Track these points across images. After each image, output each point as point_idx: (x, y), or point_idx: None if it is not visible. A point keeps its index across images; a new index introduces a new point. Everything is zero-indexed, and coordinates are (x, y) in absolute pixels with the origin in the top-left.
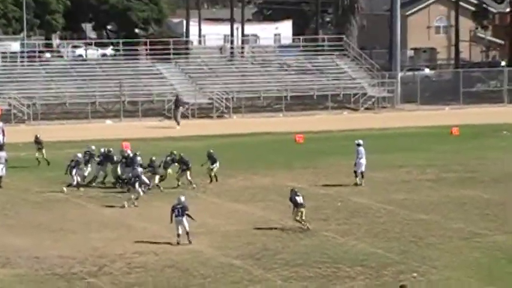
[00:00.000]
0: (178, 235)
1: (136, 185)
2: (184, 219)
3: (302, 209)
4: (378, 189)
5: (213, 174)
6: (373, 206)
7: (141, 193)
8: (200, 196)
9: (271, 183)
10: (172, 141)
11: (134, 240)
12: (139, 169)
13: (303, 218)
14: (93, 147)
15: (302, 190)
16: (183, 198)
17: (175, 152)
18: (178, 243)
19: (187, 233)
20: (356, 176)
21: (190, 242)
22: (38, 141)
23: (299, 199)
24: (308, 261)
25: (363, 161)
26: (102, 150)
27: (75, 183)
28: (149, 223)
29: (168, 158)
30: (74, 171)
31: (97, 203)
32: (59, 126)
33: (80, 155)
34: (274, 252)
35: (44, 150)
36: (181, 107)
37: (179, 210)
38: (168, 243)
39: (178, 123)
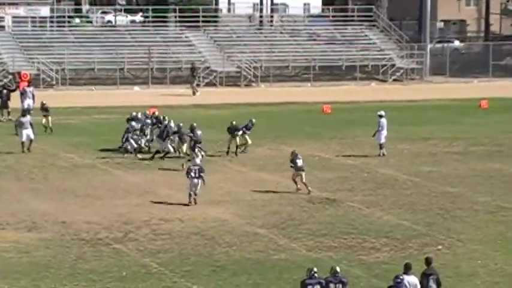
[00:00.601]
0: (191, 195)
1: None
2: (200, 181)
3: (302, 173)
4: (404, 161)
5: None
6: (400, 177)
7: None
8: (226, 164)
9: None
10: (201, 109)
11: (160, 207)
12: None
13: (304, 181)
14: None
15: (328, 160)
16: (198, 160)
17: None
18: (189, 204)
19: (195, 195)
20: (380, 148)
21: (195, 203)
22: (44, 108)
23: (299, 162)
24: (333, 232)
25: (384, 132)
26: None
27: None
28: (175, 190)
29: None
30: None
31: (123, 169)
32: (87, 92)
33: (134, 123)
34: (299, 222)
35: (50, 118)
36: (197, 76)
37: (196, 172)
38: (183, 204)
39: (194, 93)
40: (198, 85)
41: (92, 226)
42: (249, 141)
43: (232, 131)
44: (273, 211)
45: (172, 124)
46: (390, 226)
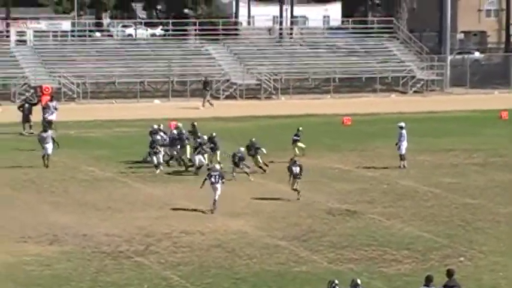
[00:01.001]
0: (215, 201)
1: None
2: (219, 186)
3: (297, 180)
4: (425, 172)
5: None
6: (420, 189)
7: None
8: (246, 176)
9: (317, 164)
10: (221, 121)
11: (180, 220)
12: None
13: (295, 187)
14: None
15: (348, 172)
16: (218, 166)
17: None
18: (206, 212)
19: (214, 201)
20: (400, 159)
21: (212, 211)
22: (48, 122)
23: (295, 169)
24: (354, 244)
25: (405, 143)
26: (205, 136)
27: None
28: (195, 203)
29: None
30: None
31: (144, 182)
32: (107, 105)
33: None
34: (320, 234)
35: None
36: (209, 90)
37: (216, 177)
38: (202, 215)
39: (210, 104)
40: (216, 97)
41: (113, 239)
42: (303, 145)
43: (250, 148)
44: (294, 223)
45: (205, 137)
46: (411, 238)
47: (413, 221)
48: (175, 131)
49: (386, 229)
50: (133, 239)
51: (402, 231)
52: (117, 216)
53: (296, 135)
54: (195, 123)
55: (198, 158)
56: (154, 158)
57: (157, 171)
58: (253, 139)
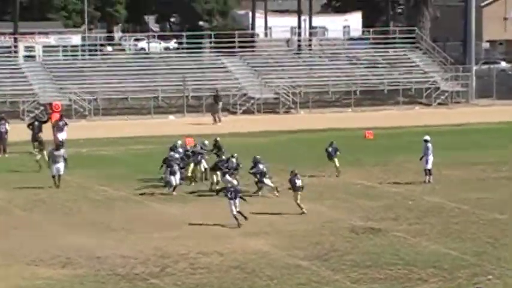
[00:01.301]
0: (236, 217)
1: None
2: (238, 201)
3: (299, 193)
4: (451, 187)
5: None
6: (447, 205)
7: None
8: (266, 194)
9: (339, 180)
10: (238, 137)
11: (197, 240)
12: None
13: (298, 201)
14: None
15: (371, 188)
16: (235, 182)
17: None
18: (238, 226)
19: (239, 213)
20: (426, 174)
21: (239, 225)
22: (38, 140)
23: (298, 182)
24: (378, 263)
25: (431, 157)
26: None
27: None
28: (212, 222)
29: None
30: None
31: (159, 201)
32: (120, 122)
33: (176, 155)
34: (342, 252)
35: (45, 152)
36: (220, 103)
37: (232, 193)
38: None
39: (218, 120)
40: (233, 112)
41: (128, 261)
42: (337, 164)
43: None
44: (315, 242)
45: (234, 160)
46: (437, 256)
47: (440, 238)
48: (180, 149)
49: (412, 247)
50: (148, 260)
51: (428, 249)
52: (131, 237)
53: (332, 148)
54: (218, 139)
55: (173, 179)
56: (172, 179)
57: (175, 193)
58: (258, 156)
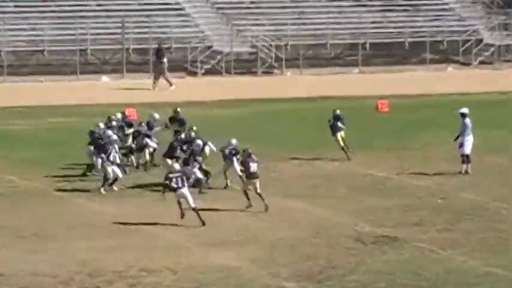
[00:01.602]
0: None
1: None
2: (186, 190)
3: (255, 181)
4: (495, 180)
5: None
6: (490, 205)
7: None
8: (236, 188)
9: (339, 170)
10: (198, 107)
11: (141, 252)
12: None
13: (258, 191)
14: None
15: (386, 180)
16: (177, 166)
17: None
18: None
19: (194, 211)
20: (462, 162)
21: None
22: None
23: (253, 166)
24: (393, 285)
25: (470, 139)
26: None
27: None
28: (161, 227)
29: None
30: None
31: (87, 197)
32: (33, 84)
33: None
34: (344, 270)
35: None
36: (165, 59)
37: (177, 180)
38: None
39: (169, 84)
40: (193, 73)
41: (42, 280)
42: (341, 142)
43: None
44: (306, 255)
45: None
46: (476, 276)
47: (480, 252)
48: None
49: (441, 263)
50: (71, 279)
51: (463, 267)
52: (49, 246)
53: (337, 119)
54: (179, 109)
55: (111, 169)
56: (109, 170)
57: (115, 187)
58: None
